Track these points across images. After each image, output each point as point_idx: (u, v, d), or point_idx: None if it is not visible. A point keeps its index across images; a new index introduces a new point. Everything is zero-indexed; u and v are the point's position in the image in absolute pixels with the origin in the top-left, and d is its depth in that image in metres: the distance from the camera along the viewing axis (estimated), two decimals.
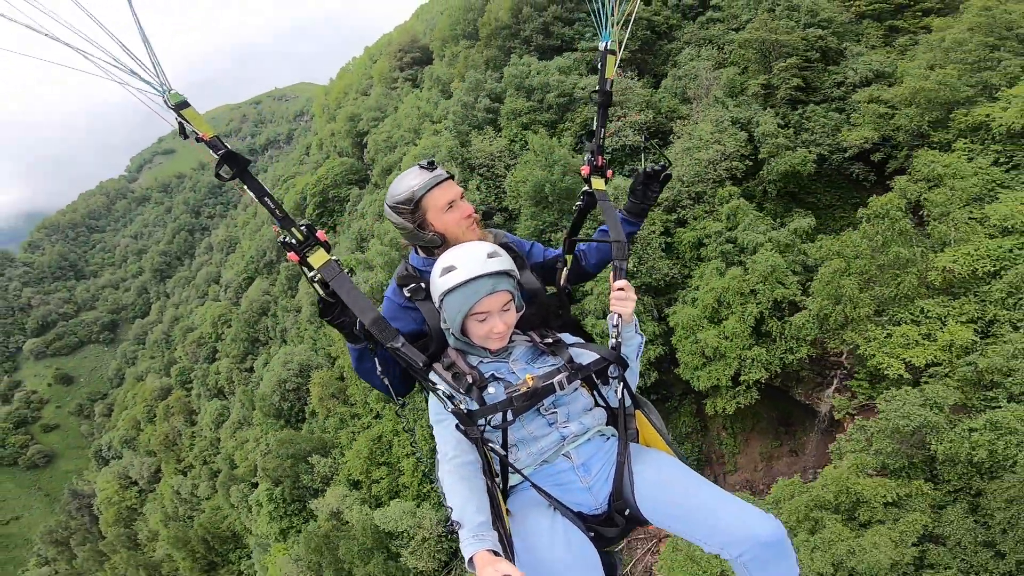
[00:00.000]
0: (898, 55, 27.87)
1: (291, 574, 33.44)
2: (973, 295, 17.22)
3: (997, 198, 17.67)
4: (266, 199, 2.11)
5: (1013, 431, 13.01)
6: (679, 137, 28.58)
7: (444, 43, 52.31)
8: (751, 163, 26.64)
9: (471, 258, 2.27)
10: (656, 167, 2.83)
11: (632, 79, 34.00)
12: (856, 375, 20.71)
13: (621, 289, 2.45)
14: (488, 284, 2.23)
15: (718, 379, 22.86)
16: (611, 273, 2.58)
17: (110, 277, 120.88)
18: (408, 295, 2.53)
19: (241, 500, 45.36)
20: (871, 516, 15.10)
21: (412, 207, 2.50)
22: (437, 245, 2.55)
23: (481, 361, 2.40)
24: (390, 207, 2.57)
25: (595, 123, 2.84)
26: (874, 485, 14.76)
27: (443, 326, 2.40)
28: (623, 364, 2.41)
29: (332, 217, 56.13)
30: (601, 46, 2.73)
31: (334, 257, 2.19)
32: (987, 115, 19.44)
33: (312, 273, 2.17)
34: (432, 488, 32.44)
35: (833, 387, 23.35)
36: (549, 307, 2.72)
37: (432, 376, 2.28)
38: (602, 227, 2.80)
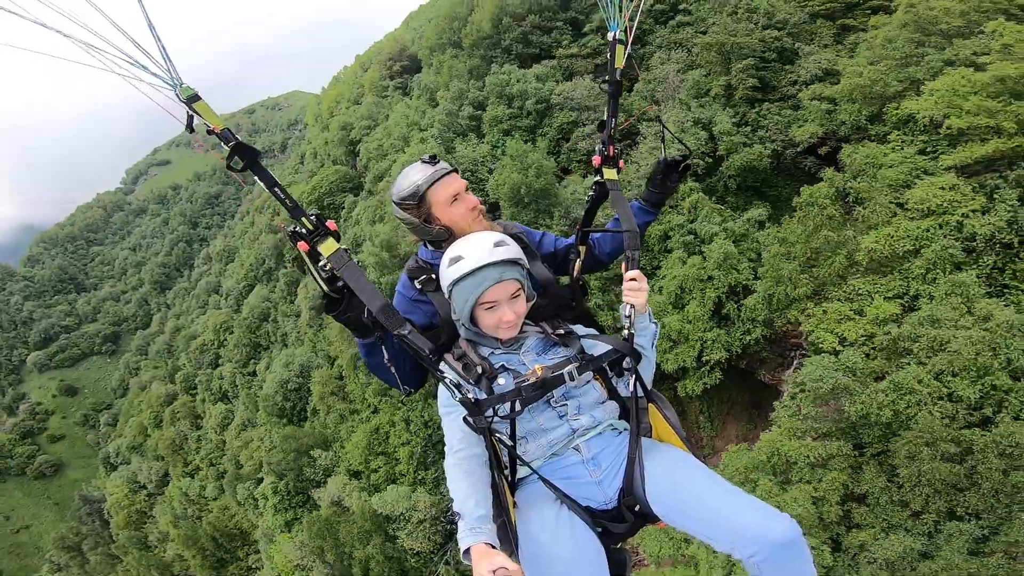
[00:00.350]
0: (848, 53, 30.13)
1: (295, 559, 35.80)
2: (897, 272, 19.52)
3: (916, 184, 19.94)
4: (276, 189, 2.14)
5: (912, 391, 15.25)
6: (645, 138, 30.90)
7: (432, 51, 54.64)
8: (711, 160, 28.98)
9: (477, 247, 2.31)
10: (677, 157, 2.89)
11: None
12: (806, 354, 23.00)
13: (633, 279, 2.48)
14: (495, 273, 2.26)
15: (684, 361, 25.11)
16: (623, 263, 2.61)
17: (110, 290, 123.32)
18: (419, 287, 2.59)
19: (247, 498, 47.71)
20: (800, 477, 17.30)
21: (417, 202, 2.57)
22: (444, 238, 2.59)
23: (492, 352, 2.43)
24: (396, 203, 2.64)
25: (606, 113, 2.89)
26: (798, 447, 16.99)
27: (453, 316, 2.44)
28: (636, 355, 2.43)
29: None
30: (610, 36, 2.83)
31: (343, 246, 2.20)
32: (914, 108, 21.65)
33: (322, 262, 2.16)
34: (426, 474, 34.80)
35: (793, 367, 25.63)
36: (561, 298, 2.72)
37: (441, 365, 2.33)
38: (614, 217, 2.82)
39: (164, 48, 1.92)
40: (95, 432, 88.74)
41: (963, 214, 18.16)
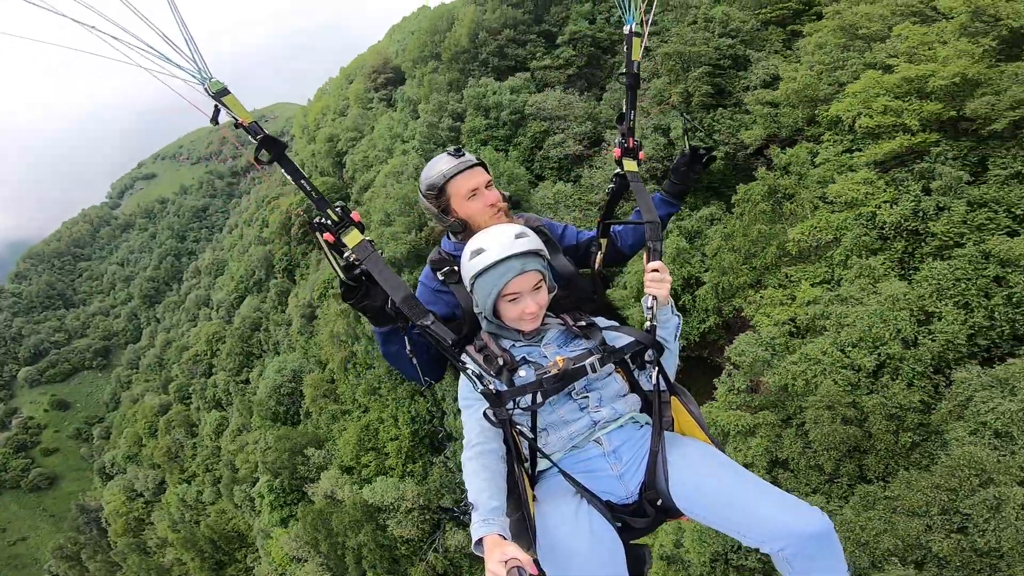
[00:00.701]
0: (796, 58, 32.98)
1: (291, 551, 38.18)
2: (822, 260, 22.32)
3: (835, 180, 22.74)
4: (302, 181, 2.20)
5: (817, 361, 17.97)
6: (609, 145, 33.69)
7: (414, 64, 57.37)
8: (669, 164, 31.82)
9: (499, 240, 2.34)
10: (701, 149, 2.92)
11: (573, 94, 39.24)
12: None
13: (656, 271, 2.50)
14: (517, 264, 2.30)
15: None
16: (645, 255, 2.64)
17: (99, 305, 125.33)
18: (442, 278, 2.64)
19: (244, 499, 49.95)
20: (734, 446, 19.91)
21: (436, 192, 2.65)
22: (459, 231, 2.68)
23: (513, 344, 2.45)
24: (421, 192, 2.75)
25: (624, 105, 2.93)
26: (730, 417, 19.65)
27: (475, 310, 2.47)
28: (659, 347, 2.45)
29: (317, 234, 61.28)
30: (626, 29, 2.87)
31: (368, 238, 2.27)
32: (836, 111, 24.40)
33: (347, 253, 2.23)
34: (414, 467, 37.26)
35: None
36: (583, 290, 2.74)
37: (462, 356, 2.37)
38: (636, 209, 2.84)
39: (194, 43, 1.98)
40: (88, 445, 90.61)
41: (876, 205, 20.93)
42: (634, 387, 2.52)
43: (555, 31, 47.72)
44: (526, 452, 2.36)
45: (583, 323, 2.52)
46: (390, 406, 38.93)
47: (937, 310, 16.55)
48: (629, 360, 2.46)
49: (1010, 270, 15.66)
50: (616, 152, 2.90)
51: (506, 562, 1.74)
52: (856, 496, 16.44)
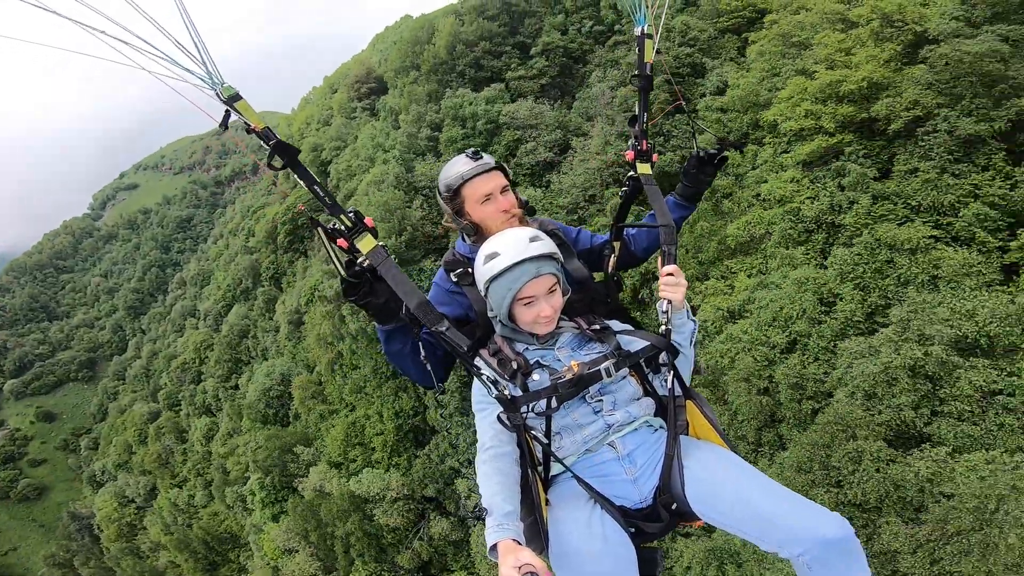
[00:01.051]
0: (745, 66, 36.14)
1: (283, 542, 40.81)
2: (757, 252, 25.43)
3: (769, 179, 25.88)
4: (315, 187, 2.27)
5: (739, 339, 21.04)
6: (576, 151, 36.87)
7: (396, 74, 60.23)
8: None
9: (513, 243, 2.38)
10: (711, 151, 2.99)
11: (544, 104, 42.44)
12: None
13: (671, 275, 2.54)
14: (532, 268, 2.34)
15: None
16: (659, 259, 2.69)
17: (83, 317, 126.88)
18: (455, 280, 2.69)
19: (236, 500, 52.38)
20: None
21: (451, 194, 2.73)
22: (471, 233, 2.75)
23: (527, 348, 2.50)
24: (438, 191, 2.84)
25: (637, 108, 3.04)
26: None
27: (490, 314, 2.54)
28: (673, 351, 2.48)
29: (303, 243, 63.04)
30: (637, 31, 2.94)
31: (381, 243, 2.30)
32: (769, 116, 27.55)
33: (361, 258, 2.27)
34: (400, 459, 39.95)
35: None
36: (597, 294, 2.80)
37: (477, 361, 2.41)
38: (651, 213, 2.91)
39: (206, 50, 2.05)
40: (76, 456, 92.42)
41: (800, 202, 24.07)
42: (648, 391, 2.55)
43: (529, 42, 50.90)
44: (539, 456, 2.41)
45: (597, 327, 2.56)
46: (375, 403, 41.62)
47: (840, 292, 19.67)
48: (643, 364, 2.50)
49: (896, 254, 18.79)
50: (629, 155, 2.99)
51: (520, 567, 1.76)
52: (776, 465, 19.40)
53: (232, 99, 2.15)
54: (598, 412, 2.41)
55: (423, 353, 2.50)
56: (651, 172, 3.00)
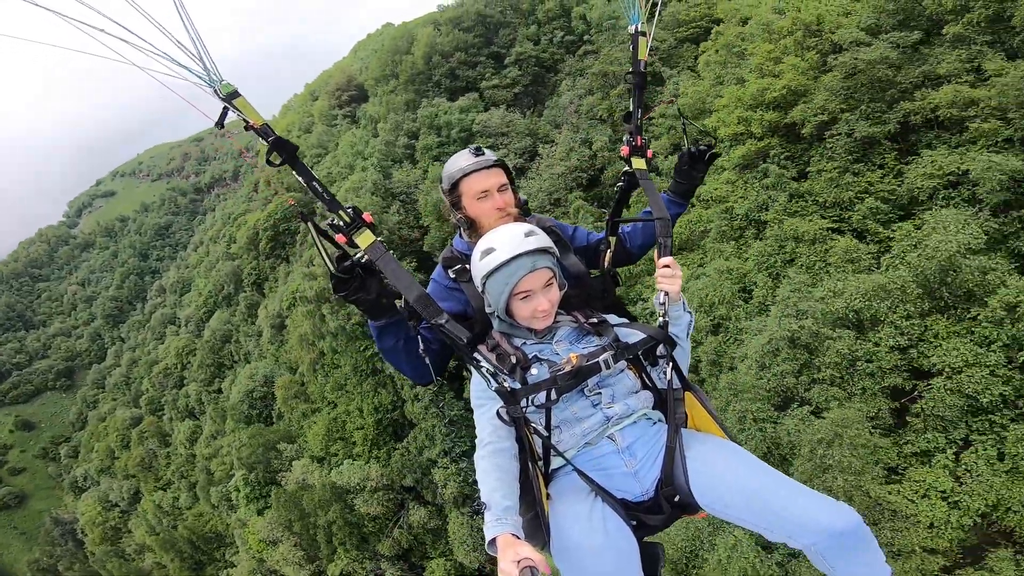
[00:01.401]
0: (697, 75, 39.71)
1: (267, 534, 43.70)
2: (698, 248, 28.99)
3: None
4: (314, 183, 2.30)
5: None
6: (543, 158, 40.48)
7: (377, 82, 63.71)
8: (596, 171, 38.58)
9: (509, 239, 2.44)
10: (701, 147, 3.08)
11: (515, 112, 46.13)
12: None
13: (667, 267, 2.63)
14: (528, 262, 2.39)
15: None
16: (656, 251, 2.79)
17: (60, 325, 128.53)
18: (453, 276, 2.78)
19: (221, 499, 54.90)
20: None
21: (450, 188, 2.83)
22: (466, 227, 2.86)
23: (525, 342, 2.56)
24: (439, 183, 2.94)
25: (631, 104, 3.07)
26: None
27: (487, 309, 2.59)
28: (671, 343, 2.56)
29: (284, 249, 65.70)
30: (631, 29, 3.04)
31: (379, 238, 2.36)
32: (711, 122, 31.08)
33: (358, 254, 2.33)
34: (380, 452, 42.97)
35: None
36: (593, 289, 2.89)
37: (475, 355, 2.41)
38: (645, 209, 3.01)
39: (204, 47, 2.08)
40: (56, 464, 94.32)
41: (734, 201, 27.59)
42: (646, 384, 2.61)
43: (503, 52, 54.64)
44: (539, 450, 2.44)
45: (594, 320, 2.63)
46: (356, 399, 44.67)
47: (756, 280, 23.27)
48: (641, 356, 2.58)
49: (799, 244, 22.39)
50: (624, 150, 3.02)
51: (519, 562, 1.81)
52: None
53: (231, 96, 2.21)
54: (597, 405, 2.45)
55: (422, 347, 2.57)
56: (646, 167, 3.06)
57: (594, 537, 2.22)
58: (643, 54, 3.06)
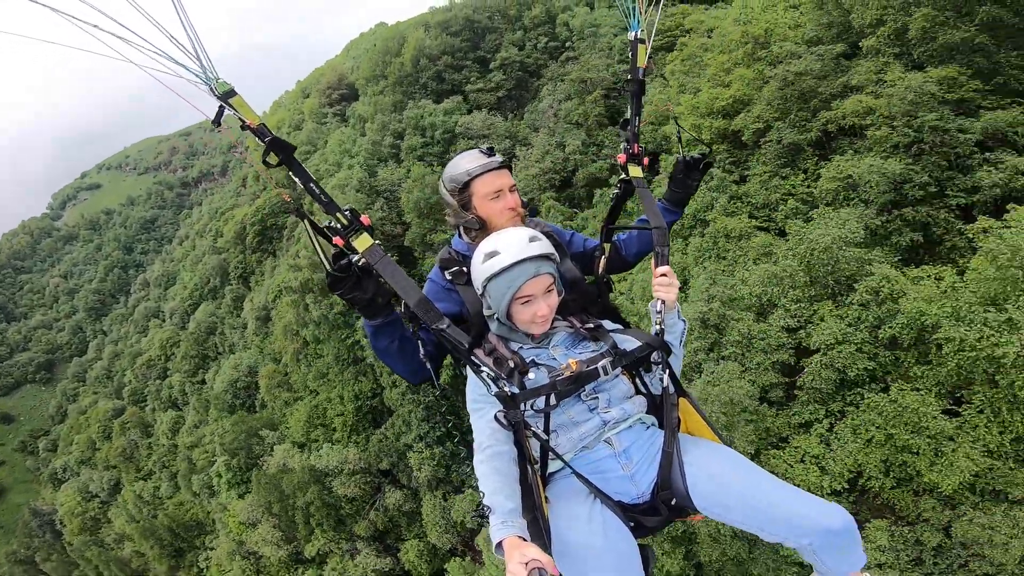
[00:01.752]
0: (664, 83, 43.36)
1: (247, 516, 46.89)
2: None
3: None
4: (311, 185, 2.39)
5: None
6: (519, 160, 44.23)
7: (367, 82, 66.96)
8: (568, 173, 42.31)
9: (513, 243, 2.53)
10: (696, 156, 3.24)
11: (496, 116, 49.95)
12: None
13: (664, 275, 2.76)
14: (531, 267, 2.49)
15: None
16: (652, 260, 2.90)
17: (41, 318, 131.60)
18: (450, 278, 2.84)
19: (203, 487, 57.83)
20: None
21: (461, 187, 2.89)
22: (475, 228, 2.91)
23: (522, 347, 2.65)
24: (443, 183, 2.98)
25: (629, 111, 3.18)
26: None
27: (486, 312, 2.69)
28: (667, 350, 2.70)
29: (271, 243, 69.19)
30: (631, 35, 3.14)
31: (377, 242, 2.45)
32: (667, 130, 34.77)
33: (357, 257, 2.42)
34: (359, 437, 46.18)
35: None
36: (588, 294, 2.99)
37: (475, 360, 2.52)
38: (641, 217, 3.12)
39: (201, 45, 2.14)
40: (34, 458, 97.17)
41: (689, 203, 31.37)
42: (639, 389, 2.75)
43: (489, 57, 58.24)
44: (536, 454, 2.53)
45: (591, 325, 2.74)
46: (337, 387, 47.96)
47: (694, 273, 26.96)
48: (635, 362, 2.68)
49: (728, 241, 26.08)
50: (621, 158, 3.15)
51: (527, 563, 1.85)
52: None
53: (227, 95, 2.27)
54: (594, 409, 2.56)
55: (423, 352, 2.68)
56: (643, 175, 3.17)
57: (594, 538, 2.34)
58: (642, 61, 3.15)
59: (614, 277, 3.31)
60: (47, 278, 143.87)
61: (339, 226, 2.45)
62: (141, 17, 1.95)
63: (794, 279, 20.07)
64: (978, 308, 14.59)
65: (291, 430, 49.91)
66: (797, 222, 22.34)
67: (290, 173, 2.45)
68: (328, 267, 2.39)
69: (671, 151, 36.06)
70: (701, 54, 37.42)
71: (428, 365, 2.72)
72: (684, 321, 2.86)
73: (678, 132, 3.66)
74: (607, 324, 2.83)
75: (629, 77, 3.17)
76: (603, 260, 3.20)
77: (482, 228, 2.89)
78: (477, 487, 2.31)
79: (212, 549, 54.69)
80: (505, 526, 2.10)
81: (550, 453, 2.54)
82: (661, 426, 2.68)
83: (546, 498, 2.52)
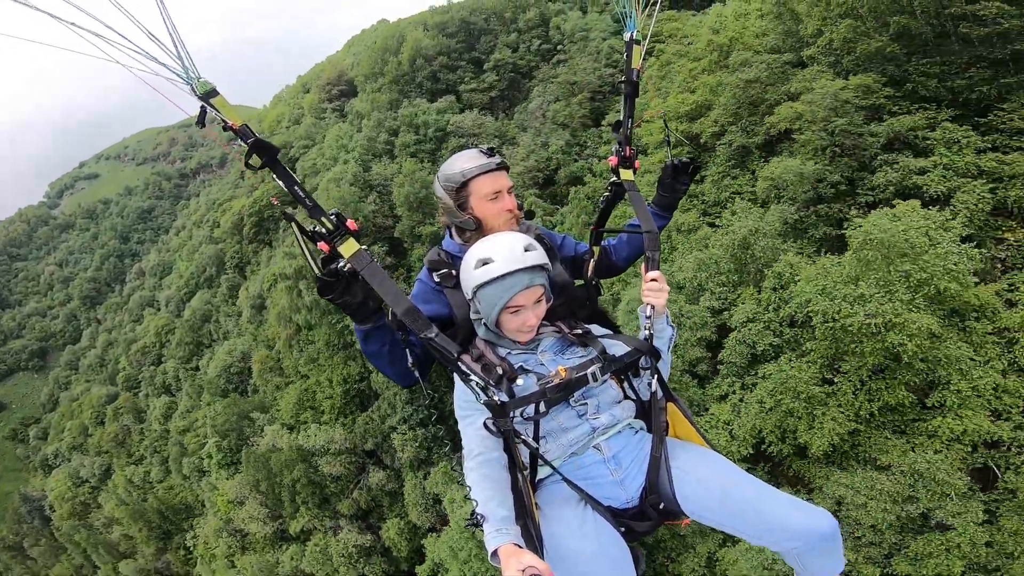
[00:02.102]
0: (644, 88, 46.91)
1: (235, 495, 50.38)
2: None
3: None
4: (295, 188, 2.40)
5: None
6: (505, 158, 48.04)
7: (366, 79, 70.79)
8: (551, 172, 46.10)
9: (508, 251, 2.57)
10: (684, 160, 3.29)
11: (486, 115, 53.87)
12: None
13: (654, 280, 2.84)
14: (525, 278, 2.54)
15: None
16: (643, 264, 2.98)
17: (36, 305, 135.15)
18: (438, 280, 2.88)
19: (193, 470, 60.97)
20: None
21: (458, 186, 2.92)
22: (471, 228, 2.93)
23: (509, 352, 2.72)
24: (439, 181, 3.01)
25: (622, 113, 3.25)
26: None
27: (474, 317, 2.75)
28: (656, 355, 2.77)
29: (268, 234, 72.45)
30: (626, 36, 3.22)
31: (364, 247, 2.44)
32: (640, 133, 38.38)
33: (343, 263, 2.41)
34: (346, 420, 49.49)
35: None
36: (577, 298, 3.07)
37: (463, 367, 2.53)
38: (631, 221, 3.24)
39: (182, 43, 2.13)
40: (25, 446, 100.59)
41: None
42: (627, 394, 2.82)
43: (483, 58, 62.03)
44: (525, 460, 2.57)
45: (579, 331, 2.79)
46: (326, 371, 51.34)
47: None
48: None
49: (677, 234, 29.73)
50: (612, 161, 3.20)
51: (524, 570, 1.92)
52: None
53: (208, 95, 2.25)
54: (583, 416, 2.63)
55: (411, 360, 2.68)
56: (634, 178, 3.21)
57: (586, 544, 2.43)
58: (636, 63, 3.23)
59: (604, 282, 3.39)
60: (42, 266, 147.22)
61: (324, 231, 2.43)
62: (119, 14, 2.03)
63: (719, 265, 23.75)
64: (840, 286, 18.23)
65: (281, 412, 53.15)
66: (726, 216, 25.90)
67: (273, 176, 2.45)
68: (317, 271, 2.42)
69: (646, 152, 39.75)
70: (676, 60, 41.11)
71: (416, 373, 2.76)
72: (673, 327, 2.95)
73: (666, 137, 3.86)
74: (596, 329, 2.91)
75: (623, 79, 3.27)
76: (592, 263, 3.23)
77: (478, 229, 2.93)
78: (468, 494, 2.39)
79: (200, 528, 57.43)
80: (500, 534, 2.18)
81: (539, 460, 2.59)
82: (650, 431, 2.78)
83: (536, 504, 2.59)
